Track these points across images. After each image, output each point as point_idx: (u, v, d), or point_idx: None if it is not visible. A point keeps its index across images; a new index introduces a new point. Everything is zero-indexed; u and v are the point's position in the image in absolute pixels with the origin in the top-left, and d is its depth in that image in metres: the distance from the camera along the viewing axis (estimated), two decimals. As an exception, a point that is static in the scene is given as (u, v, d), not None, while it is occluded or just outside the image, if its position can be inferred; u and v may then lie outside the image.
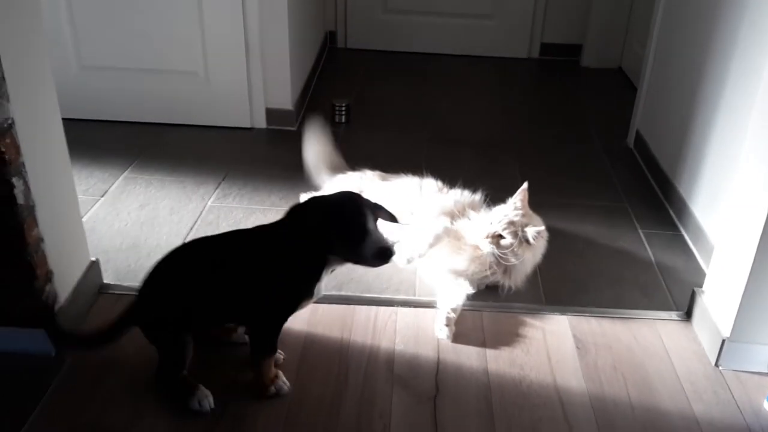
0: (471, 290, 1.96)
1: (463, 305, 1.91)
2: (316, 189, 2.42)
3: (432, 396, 1.63)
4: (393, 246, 1.46)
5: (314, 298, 1.56)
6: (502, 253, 1.93)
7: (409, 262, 1.96)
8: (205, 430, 1.52)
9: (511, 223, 1.94)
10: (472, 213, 2.06)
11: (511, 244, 1.92)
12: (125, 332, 1.59)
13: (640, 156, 2.88)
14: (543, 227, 1.97)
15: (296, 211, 1.50)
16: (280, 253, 1.49)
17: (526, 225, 1.94)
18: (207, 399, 1.56)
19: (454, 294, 1.92)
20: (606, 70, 3.97)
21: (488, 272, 1.97)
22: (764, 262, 1.63)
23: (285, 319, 1.57)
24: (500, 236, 1.94)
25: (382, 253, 1.44)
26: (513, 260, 1.93)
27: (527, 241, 1.94)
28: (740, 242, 1.70)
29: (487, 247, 1.94)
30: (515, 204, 1.99)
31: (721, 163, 2.15)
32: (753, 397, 1.67)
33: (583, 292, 2.04)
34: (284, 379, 1.62)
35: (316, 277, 1.52)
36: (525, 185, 2.02)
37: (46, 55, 1.63)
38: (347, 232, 1.44)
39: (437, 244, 1.97)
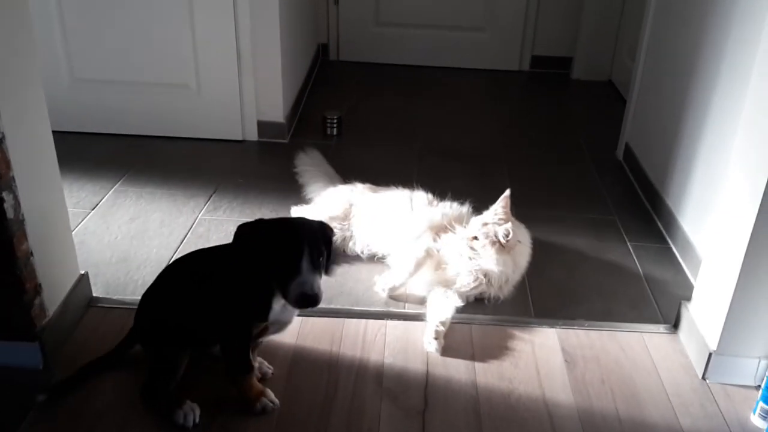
0: (460, 303, 1.97)
1: (452, 318, 1.92)
2: (306, 202, 2.43)
3: (421, 410, 1.63)
4: (318, 295, 1.39)
5: (276, 324, 1.55)
6: (473, 255, 1.97)
7: (390, 292, 1.99)
8: (194, 445, 1.52)
9: (485, 224, 1.99)
10: (458, 227, 2.07)
11: (484, 245, 1.96)
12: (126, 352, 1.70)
13: (629, 169, 2.90)
14: (509, 225, 1.97)
15: (242, 232, 1.46)
16: (225, 273, 1.53)
17: (499, 226, 1.98)
18: (193, 413, 1.56)
19: (443, 307, 1.92)
20: (596, 82, 4.00)
21: (474, 283, 1.98)
22: (750, 276, 1.64)
23: (242, 339, 1.53)
24: (476, 238, 1.99)
25: (302, 299, 1.39)
26: (488, 263, 1.95)
27: (499, 242, 1.96)
28: (726, 255, 1.71)
29: (465, 248, 1.98)
30: (495, 210, 2.03)
31: (710, 176, 2.17)
32: (740, 410, 1.68)
33: (572, 304, 2.05)
34: (272, 397, 1.61)
35: (265, 302, 1.48)
36: (507, 192, 2.05)
37: (37, 69, 1.64)
38: (276, 265, 1.40)
39: (418, 270, 2.01)
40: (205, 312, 1.55)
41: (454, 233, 2.06)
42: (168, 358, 1.58)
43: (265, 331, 1.58)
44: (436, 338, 1.82)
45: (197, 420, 1.56)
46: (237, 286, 1.50)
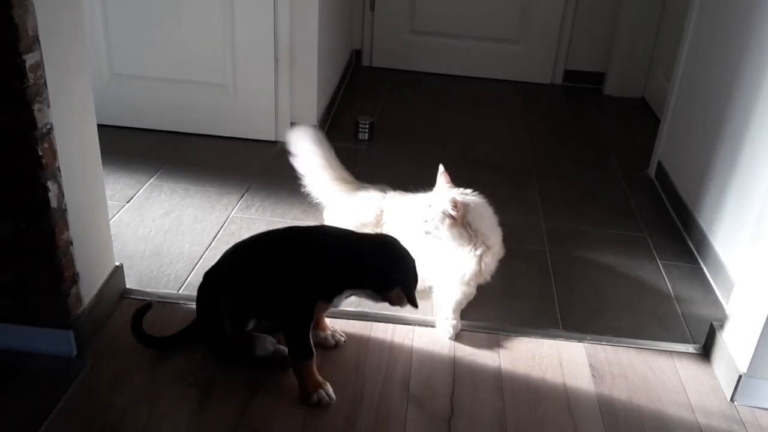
0: (470, 288, 1.98)
1: (477, 322, 1.95)
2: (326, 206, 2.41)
3: (447, 417, 1.63)
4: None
5: (332, 307, 1.68)
6: (433, 236, 1.94)
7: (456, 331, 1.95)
8: (221, 440, 1.53)
9: (429, 206, 1.94)
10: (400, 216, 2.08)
11: (435, 225, 1.92)
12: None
13: (661, 187, 2.88)
14: (452, 192, 1.92)
15: (379, 244, 1.65)
16: (331, 261, 1.62)
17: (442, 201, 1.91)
18: (272, 343, 1.71)
19: (451, 293, 1.95)
20: (628, 99, 3.98)
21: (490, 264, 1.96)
22: (785, 300, 1.63)
23: (306, 319, 1.62)
24: (426, 221, 1.95)
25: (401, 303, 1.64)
26: (446, 236, 1.92)
27: (451, 216, 1.89)
28: (762, 279, 1.70)
29: (423, 237, 1.95)
30: (438, 189, 1.99)
31: (744, 197, 2.16)
32: (768, 435, 1.67)
33: (600, 319, 2.04)
34: (330, 391, 1.64)
35: (338, 287, 1.63)
36: (441, 168, 2.02)
37: (85, 62, 1.68)
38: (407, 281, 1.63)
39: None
40: (277, 288, 1.62)
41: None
42: (218, 315, 1.67)
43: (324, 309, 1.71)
44: (448, 326, 1.88)
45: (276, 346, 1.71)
46: (320, 269, 1.61)
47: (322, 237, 1.72)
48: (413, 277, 1.64)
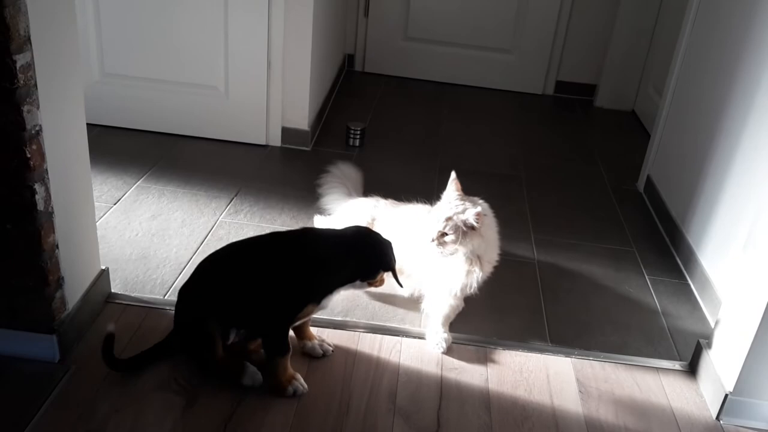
0: (457, 302, 1.96)
1: (465, 335, 1.94)
2: (326, 212, 2.43)
3: (434, 431, 1.62)
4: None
5: (319, 309, 1.70)
6: (451, 252, 1.87)
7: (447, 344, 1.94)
8: (205, 449, 1.51)
9: (448, 219, 1.85)
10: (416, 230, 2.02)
11: (457, 239, 1.84)
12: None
13: (650, 201, 2.90)
14: (479, 208, 1.85)
15: (361, 236, 1.72)
16: (321, 258, 1.65)
17: (463, 212, 1.85)
18: (258, 374, 1.69)
19: (438, 307, 1.95)
20: (619, 111, 4.00)
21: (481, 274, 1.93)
22: (772, 320, 1.64)
23: (288, 322, 1.66)
24: (444, 234, 1.86)
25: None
26: (468, 249, 1.88)
27: (472, 227, 1.84)
28: (749, 297, 1.70)
29: (435, 251, 1.87)
30: (449, 199, 1.91)
31: (733, 215, 2.17)
32: (753, 455, 1.68)
33: (587, 334, 2.04)
34: (302, 381, 1.69)
35: (330, 288, 1.68)
36: (453, 175, 1.96)
37: (78, 64, 1.66)
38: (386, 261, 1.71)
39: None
40: (267, 294, 1.63)
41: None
42: (206, 332, 1.65)
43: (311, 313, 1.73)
44: (437, 340, 1.88)
45: (261, 380, 1.69)
46: (315, 272, 1.65)
47: (306, 240, 1.73)
48: (395, 259, 1.74)
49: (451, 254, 1.88)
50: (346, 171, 2.52)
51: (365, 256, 1.70)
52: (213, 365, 1.68)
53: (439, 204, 1.94)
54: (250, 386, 1.67)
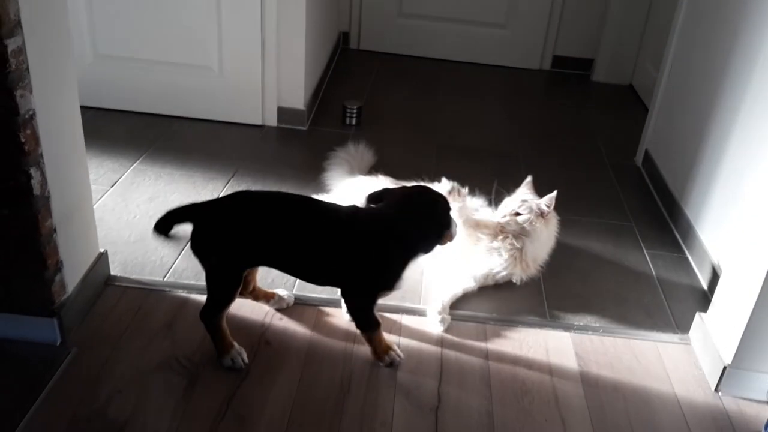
0: (472, 284, 2.03)
1: (466, 312, 1.95)
2: (324, 190, 2.43)
3: (434, 407, 1.64)
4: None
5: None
6: (520, 230, 2.04)
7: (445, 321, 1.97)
8: (207, 428, 1.52)
9: (524, 201, 2.08)
10: (482, 212, 2.18)
11: (528, 218, 2.04)
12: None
13: (648, 175, 2.89)
14: (554, 194, 2.06)
15: (425, 199, 1.66)
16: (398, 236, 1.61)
17: (538, 200, 2.08)
18: (240, 356, 1.68)
19: (451, 286, 1.99)
20: (616, 86, 3.98)
21: (504, 263, 2.03)
22: (770, 292, 1.64)
23: (373, 302, 1.68)
24: (518, 214, 2.05)
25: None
26: (530, 231, 2.04)
27: (541, 213, 2.05)
28: (748, 270, 1.71)
29: (507, 225, 2.05)
30: (524, 191, 2.13)
31: (731, 188, 2.17)
32: (751, 425, 1.69)
33: (586, 309, 2.05)
34: (398, 351, 1.75)
35: (401, 271, 1.65)
36: (529, 178, 2.17)
37: (70, 47, 1.64)
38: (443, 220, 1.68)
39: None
40: (343, 271, 1.64)
41: (485, 218, 2.14)
42: (235, 280, 1.65)
43: None
44: (440, 318, 1.88)
45: (246, 361, 1.67)
46: (396, 255, 1.63)
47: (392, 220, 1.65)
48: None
49: (520, 231, 2.05)
50: (360, 150, 2.55)
51: (440, 221, 1.66)
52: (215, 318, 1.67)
53: (512, 195, 2.15)
54: (231, 367, 1.67)
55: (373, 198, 1.68)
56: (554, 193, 2.05)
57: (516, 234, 2.05)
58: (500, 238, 2.05)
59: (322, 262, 1.64)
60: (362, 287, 1.66)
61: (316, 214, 1.64)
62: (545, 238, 2.10)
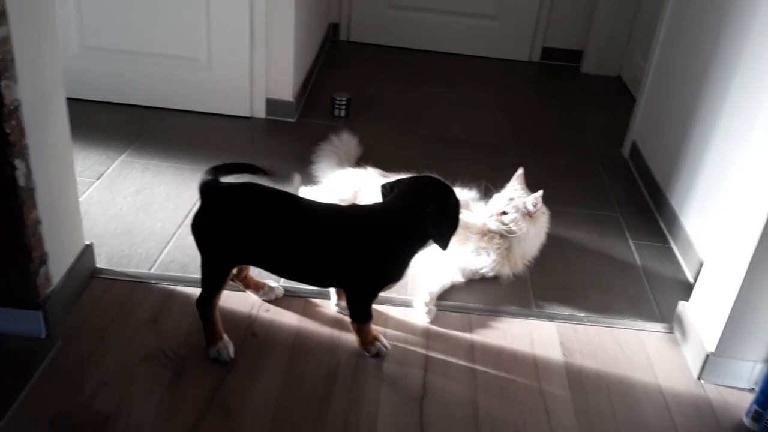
0: (460, 279, 2.05)
1: (450, 300, 1.98)
2: (313, 182, 2.43)
3: (419, 397, 1.65)
4: None
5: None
6: (506, 230, 2.03)
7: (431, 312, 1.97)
8: (193, 420, 1.53)
9: (511, 199, 2.06)
10: (473, 205, 2.16)
11: (515, 218, 2.03)
12: None
13: (635, 167, 2.91)
14: (539, 193, 2.04)
15: (417, 189, 1.64)
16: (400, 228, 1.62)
17: (525, 198, 2.06)
18: (226, 349, 1.68)
19: (438, 279, 1.99)
20: (605, 77, 3.99)
21: (492, 263, 2.04)
22: (753, 280, 1.66)
23: (376, 294, 1.70)
24: (504, 213, 2.04)
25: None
26: (517, 231, 2.03)
27: (528, 212, 2.04)
28: (730, 259, 1.72)
29: (493, 225, 2.03)
30: (514, 187, 2.11)
31: (715, 179, 2.18)
32: (733, 413, 1.71)
33: (572, 299, 2.06)
34: (384, 342, 1.76)
35: (407, 262, 1.67)
36: (520, 171, 2.14)
37: (56, 37, 1.64)
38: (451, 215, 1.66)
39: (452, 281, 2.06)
40: (348, 264, 1.63)
41: (471, 212, 2.12)
42: (224, 273, 1.66)
43: None
44: (427, 310, 1.89)
45: (231, 355, 1.68)
46: (401, 246, 1.64)
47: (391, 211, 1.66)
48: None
49: (506, 231, 2.04)
50: (345, 141, 2.53)
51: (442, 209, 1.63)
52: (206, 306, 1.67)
53: (502, 191, 2.12)
54: (216, 359, 1.67)
55: (386, 189, 1.68)
56: (540, 193, 2.04)
57: (503, 234, 2.05)
58: (487, 238, 2.05)
59: (329, 264, 1.64)
60: (370, 282, 1.67)
61: (321, 215, 1.65)
62: (533, 235, 2.09)
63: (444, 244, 1.61)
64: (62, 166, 1.75)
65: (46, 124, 1.63)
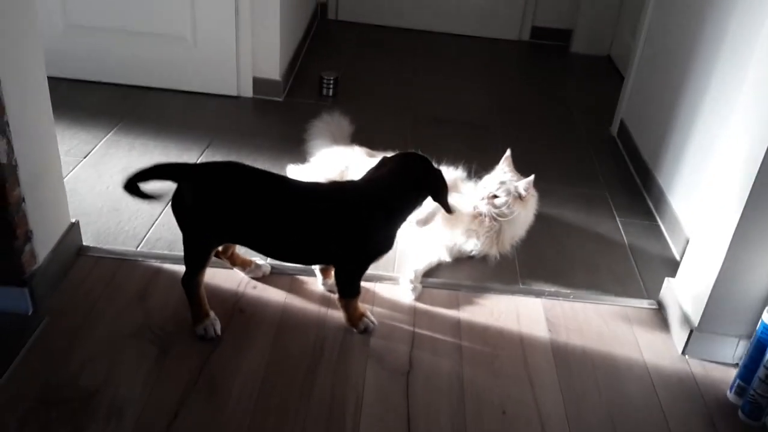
0: (447, 258, 2.05)
1: (436, 277, 1.98)
2: (301, 161, 2.42)
3: (405, 371, 1.66)
4: None
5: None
6: (497, 213, 2.02)
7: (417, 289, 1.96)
8: (180, 394, 1.53)
9: (502, 183, 2.04)
10: (463, 186, 2.15)
11: (506, 201, 2.01)
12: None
13: (623, 145, 2.91)
14: (531, 178, 2.04)
15: (404, 162, 1.67)
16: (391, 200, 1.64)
17: (516, 181, 2.05)
18: (213, 326, 1.68)
19: (425, 257, 2.01)
20: (595, 56, 3.99)
21: (481, 245, 2.04)
22: (737, 256, 1.67)
23: (365, 268, 1.71)
24: (495, 196, 2.03)
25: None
26: (508, 214, 2.03)
27: (519, 196, 2.03)
28: (714, 235, 1.73)
29: (484, 208, 2.03)
30: (503, 169, 2.09)
31: (701, 156, 2.19)
32: (717, 387, 1.72)
33: (558, 276, 2.07)
34: (371, 318, 1.77)
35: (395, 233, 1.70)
36: (508, 152, 2.13)
37: (34, 12, 1.62)
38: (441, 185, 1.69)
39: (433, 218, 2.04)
40: (338, 240, 1.63)
41: (461, 193, 2.12)
42: (209, 250, 1.66)
43: None
44: (412, 287, 1.90)
45: (218, 332, 1.68)
46: (394, 218, 1.66)
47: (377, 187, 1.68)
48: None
49: (497, 214, 2.03)
50: (334, 119, 2.53)
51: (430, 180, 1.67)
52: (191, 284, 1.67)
53: (492, 173, 2.11)
54: (202, 336, 1.67)
55: (374, 169, 1.70)
56: (532, 177, 2.03)
57: (493, 217, 2.04)
58: (477, 221, 2.05)
59: (316, 241, 1.64)
60: (360, 256, 1.67)
61: (304, 193, 1.64)
62: (523, 218, 2.10)
63: (446, 205, 1.68)
64: (45, 144, 1.73)
65: (27, 101, 1.61)
